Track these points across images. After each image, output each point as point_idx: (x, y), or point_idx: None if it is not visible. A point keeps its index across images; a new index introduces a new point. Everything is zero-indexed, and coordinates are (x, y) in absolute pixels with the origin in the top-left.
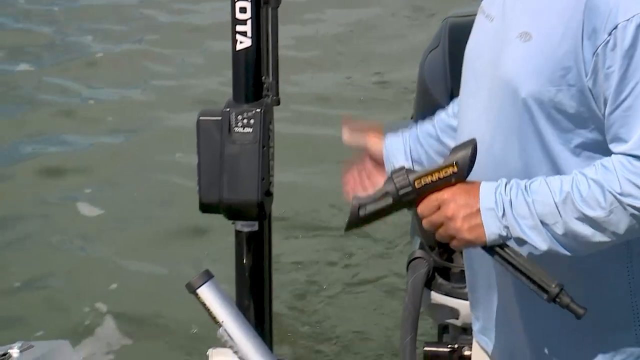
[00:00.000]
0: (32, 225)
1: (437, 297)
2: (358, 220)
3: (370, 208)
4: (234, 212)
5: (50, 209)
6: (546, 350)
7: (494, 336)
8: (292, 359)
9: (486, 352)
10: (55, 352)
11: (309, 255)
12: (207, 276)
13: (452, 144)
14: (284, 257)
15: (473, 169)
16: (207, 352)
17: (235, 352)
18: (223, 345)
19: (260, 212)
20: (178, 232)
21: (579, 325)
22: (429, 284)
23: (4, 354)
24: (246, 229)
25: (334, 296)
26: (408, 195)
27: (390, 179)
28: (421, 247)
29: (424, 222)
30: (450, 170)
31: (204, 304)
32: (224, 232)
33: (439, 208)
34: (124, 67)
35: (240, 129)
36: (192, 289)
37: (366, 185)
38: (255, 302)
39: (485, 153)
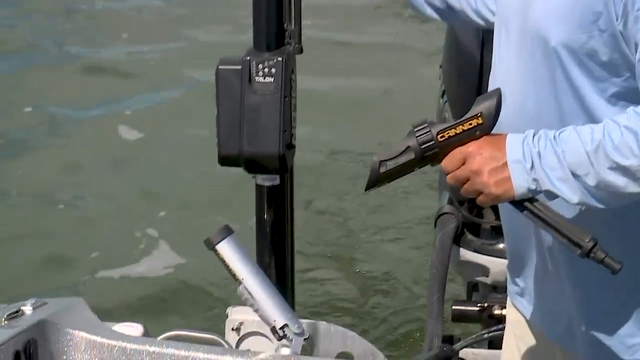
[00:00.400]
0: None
1: (466, 254)
2: (378, 178)
3: (391, 165)
4: (254, 165)
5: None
6: (591, 311)
7: (535, 300)
8: (314, 316)
9: (524, 316)
10: (70, 310)
11: (330, 210)
12: (227, 232)
13: (429, 12)
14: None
15: (506, 128)
16: (227, 311)
17: (256, 311)
18: (243, 303)
19: (281, 165)
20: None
21: (624, 283)
22: (457, 240)
23: (17, 311)
24: (267, 183)
25: (357, 248)
26: (431, 150)
27: (411, 133)
28: (450, 202)
29: (449, 178)
30: (474, 122)
31: (223, 261)
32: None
33: (464, 162)
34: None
35: (261, 79)
36: (211, 245)
37: None
38: (276, 258)
39: (518, 109)
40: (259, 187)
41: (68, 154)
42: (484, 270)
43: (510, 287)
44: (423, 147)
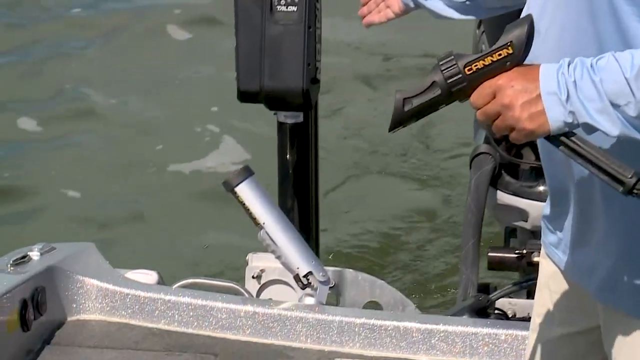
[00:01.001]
0: None
1: (503, 196)
2: (403, 117)
3: (416, 102)
4: (276, 102)
5: None
6: (635, 260)
7: (571, 250)
8: (341, 262)
9: (559, 267)
10: (80, 255)
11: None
12: (247, 172)
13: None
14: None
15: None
16: (247, 257)
17: (278, 257)
18: (264, 249)
19: (305, 101)
20: None
21: None
22: (494, 182)
23: (23, 257)
24: (289, 121)
25: (382, 188)
26: (458, 85)
27: (437, 67)
28: (486, 141)
29: (479, 114)
30: (504, 52)
31: (242, 204)
32: None
33: (494, 96)
34: None
35: (283, 8)
36: (230, 187)
37: (380, 7)
38: (299, 202)
39: (554, 43)
40: (280, 125)
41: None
42: (523, 214)
43: (545, 237)
44: (449, 81)
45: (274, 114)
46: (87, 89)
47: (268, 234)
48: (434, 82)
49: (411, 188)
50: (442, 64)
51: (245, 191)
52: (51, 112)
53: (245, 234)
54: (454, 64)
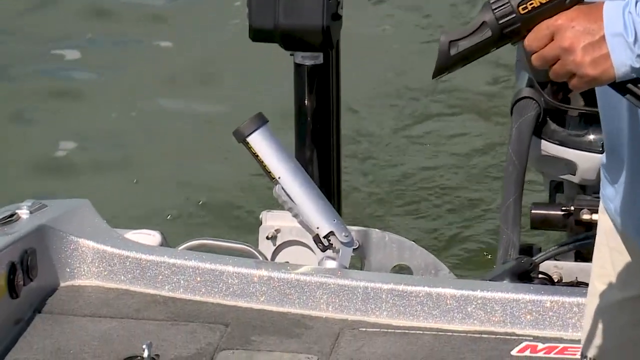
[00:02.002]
0: None
1: (548, 146)
2: (448, 62)
3: (464, 45)
4: (292, 41)
5: None
6: None
7: (628, 205)
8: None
9: (615, 223)
10: (74, 214)
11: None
12: (260, 121)
13: None
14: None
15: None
16: (260, 216)
17: (295, 216)
18: (280, 207)
19: (325, 40)
20: None
21: None
22: (538, 131)
23: (11, 215)
24: (308, 62)
25: (414, 142)
26: (512, 25)
27: (487, 5)
28: (529, 84)
29: (534, 58)
30: None
31: (256, 156)
32: None
33: (552, 38)
34: None
35: None
36: (242, 137)
37: None
38: (319, 154)
39: None
40: (298, 67)
41: None
42: (570, 166)
43: (603, 188)
44: (502, 21)
45: (291, 54)
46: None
47: (284, 190)
48: (483, 22)
49: (443, 133)
50: (492, 2)
51: (259, 141)
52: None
53: (258, 189)
54: (507, 2)
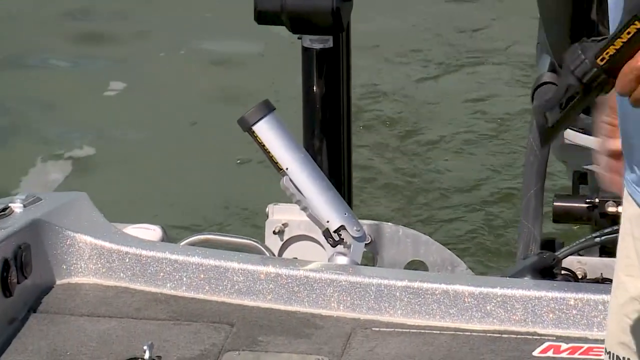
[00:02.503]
0: None
1: (572, 134)
2: (550, 133)
3: (556, 116)
4: (300, 23)
5: None
6: None
7: None
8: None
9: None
10: (70, 207)
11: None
12: (267, 108)
13: None
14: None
15: None
16: (267, 209)
17: (304, 209)
18: (288, 199)
19: (335, 22)
20: None
21: None
22: None
23: (4, 209)
24: (317, 46)
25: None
26: (595, 80)
27: (565, 68)
28: (551, 68)
29: (632, 101)
30: (633, 30)
31: (262, 145)
32: None
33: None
34: None
35: None
36: (247, 125)
37: None
38: (328, 143)
39: None
40: (306, 51)
41: None
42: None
43: (627, 174)
44: (585, 79)
45: (298, 37)
46: None
47: (292, 181)
48: (569, 86)
49: (463, 117)
50: (569, 63)
51: (265, 130)
52: None
53: (265, 181)
54: (583, 59)
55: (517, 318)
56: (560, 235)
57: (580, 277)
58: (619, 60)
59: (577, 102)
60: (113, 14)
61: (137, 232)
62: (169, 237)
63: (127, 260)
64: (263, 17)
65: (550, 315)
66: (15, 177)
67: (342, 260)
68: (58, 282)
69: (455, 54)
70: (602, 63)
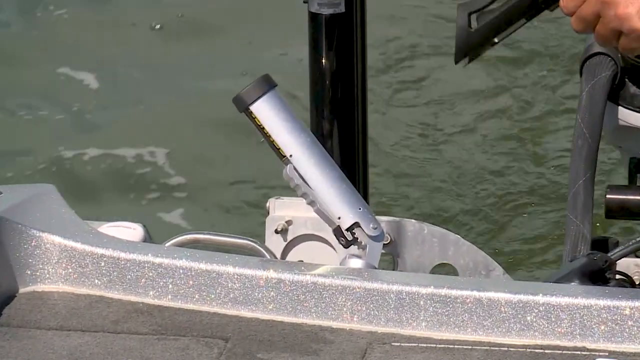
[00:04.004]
0: None
1: (628, 115)
2: (470, 41)
3: (487, 17)
4: None
5: None
6: None
7: None
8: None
9: None
10: (36, 202)
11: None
12: (267, 84)
13: None
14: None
15: None
16: (267, 204)
17: (310, 203)
18: (292, 192)
19: None
20: None
21: None
22: (614, 95)
23: None
24: (326, 11)
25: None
26: None
27: None
28: None
29: (573, 22)
30: None
31: (261, 128)
32: None
33: None
34: None
35: None
36: (244, 105)
37: None
38: (339, 126)
39: None
40: (314, 18)
41: None
42: None
43: None
44: None
45: (304, 1)
46: None
47: (297, 171)
48: None
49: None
50: None
51: (265, 111)
52: None
53: (264, 170)
54: None
55: (562, 330)
56: (614, 234)
57: (637, 282)
58: None
59: (516, 9)
60: None
61: (115, 232)
62: (152, 237)
63: (102, 264)
64: None
65: (602, 327)
66: None
67: (356, 263)
68: (21, 290)
69: None
70: None
